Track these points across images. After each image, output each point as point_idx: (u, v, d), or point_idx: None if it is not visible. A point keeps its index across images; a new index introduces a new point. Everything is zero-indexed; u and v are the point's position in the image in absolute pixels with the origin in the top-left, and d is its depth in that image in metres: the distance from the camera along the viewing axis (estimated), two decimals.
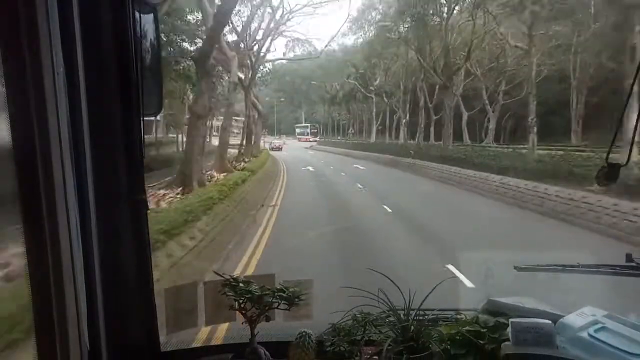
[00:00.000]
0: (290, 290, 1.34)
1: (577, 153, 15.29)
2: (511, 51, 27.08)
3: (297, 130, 79.26)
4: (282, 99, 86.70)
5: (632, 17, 13.82)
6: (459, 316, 1.47)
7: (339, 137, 67.69)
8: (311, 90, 71.82)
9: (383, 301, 1.37)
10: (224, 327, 1.74)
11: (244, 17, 26.18)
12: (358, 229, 9.91)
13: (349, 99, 53.62)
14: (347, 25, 48.84)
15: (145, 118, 1.20)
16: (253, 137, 32.58)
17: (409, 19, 29.42)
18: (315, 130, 73.98)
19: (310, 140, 70.34)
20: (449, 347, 1.31)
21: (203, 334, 3.25)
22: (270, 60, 35.62)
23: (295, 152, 50.24)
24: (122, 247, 1.20)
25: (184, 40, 17.41)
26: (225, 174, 17.05)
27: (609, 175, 1.42)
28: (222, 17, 14.14)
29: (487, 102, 31.97)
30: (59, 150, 0.95)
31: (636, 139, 1.30)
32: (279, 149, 55.91)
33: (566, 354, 1.19)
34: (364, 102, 50.59)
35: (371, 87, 46.14)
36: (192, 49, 17.48)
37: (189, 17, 17.67)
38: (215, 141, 27.95)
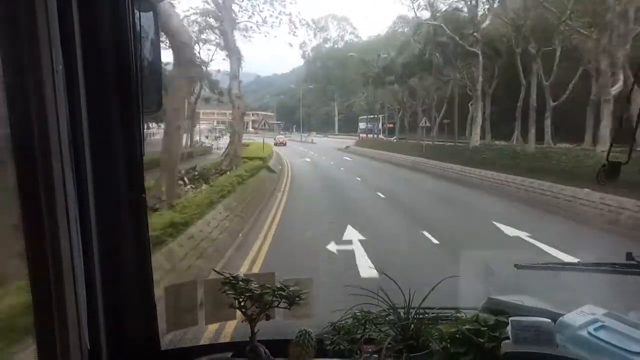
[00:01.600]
0: (291, 289, 1.34)
1: None
2: None
3: (361, 124, 56.23)
4: (311, 86, 76.44)
5: None
6: (459, 315, 1.47)
7: (383, 136, 48.50)
8: (348, 71, 57.23)
9: (383, 300, 1.38)
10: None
11: None
12: None
13: (422, 67, 29.07)
14: None
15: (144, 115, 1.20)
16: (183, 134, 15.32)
17: None
18: (392, 125, 47.32)
19: (364, 137, 50.30)
20: (448, 345, 1.31)
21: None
22: None
23: (323, 158, 31.62)
24: (122, 246, 1.20)
25: None
26: None
27: (610, 173, 1.42)
28: None
29: None
30: (58, 148, 0.95)
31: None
32: (283, 144, 52.00)
33: (566, 353, 1.19)
34: (447, 69, 27.72)
35: (475, 34, 23.11)
36: None
37: None
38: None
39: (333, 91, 76.54)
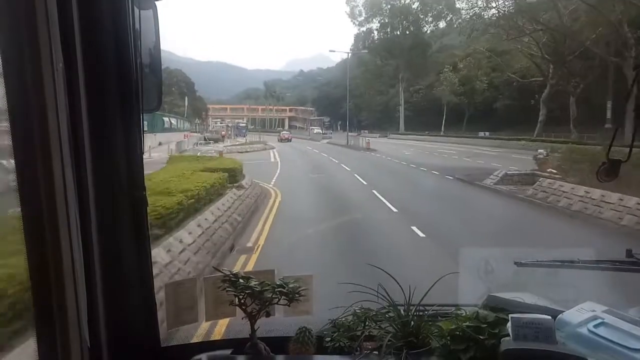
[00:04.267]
0: (290, 285, 1.34)
1: None
2: None
3: None
4: (365, 50, 49.30)
5: None
6: (459, 312, 1.47)
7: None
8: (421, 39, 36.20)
9: (383, 297, 1.38)
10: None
11: None
12: None
13: None
14: None
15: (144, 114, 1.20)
16: None
17: None
18: None
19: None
20: (448, 342, 1.31)
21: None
22: None
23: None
24: (122, 243, 1.20)
25: None
26: None
27: (610, 171, 1.42)
28: None
29: None
30: (58, 146, 0.95)
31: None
32: (288, 140, 47.66)
33: (566, 350, 1.19)
34: None
35: None
36: None
37: None
38: None
39: (395, 71, 49.72)
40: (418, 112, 51.46)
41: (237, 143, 38.99)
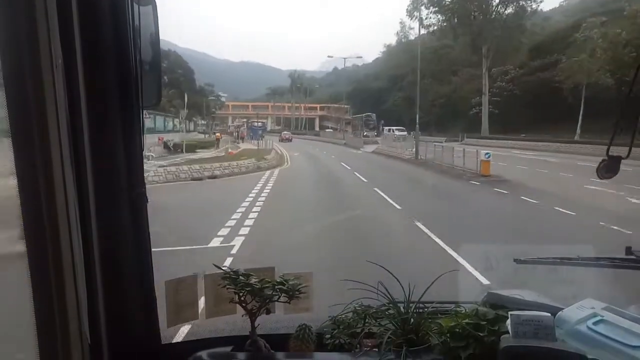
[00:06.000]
0: (290, 283, 1.34)
1: None
2: None
3: None
4: (435, 19, 33.11)
5: None
6: (458, 309, 1.47)
7: None
8: None
9: (383, 294, 1.38)
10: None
11: None
12: None
13: None
14: None
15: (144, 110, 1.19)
16: None
17: None
18: None
19: None
20: (448, 339, 1.31)
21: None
22: None
23: None
24: (122, 241, 1.20)
25: None
26: None
27: (610, 167, 1.42)
28: None
29: None
30: (57, 143, 0.95)
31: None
32: (289, 140, 45.55)
33: (565, 347, 1.19)
34: None
35: None
36: None
37: None
38: None
39: (474, 42, 33.39)
40: (506, 106, 34.43)
41: (213, 156, 24.73)
